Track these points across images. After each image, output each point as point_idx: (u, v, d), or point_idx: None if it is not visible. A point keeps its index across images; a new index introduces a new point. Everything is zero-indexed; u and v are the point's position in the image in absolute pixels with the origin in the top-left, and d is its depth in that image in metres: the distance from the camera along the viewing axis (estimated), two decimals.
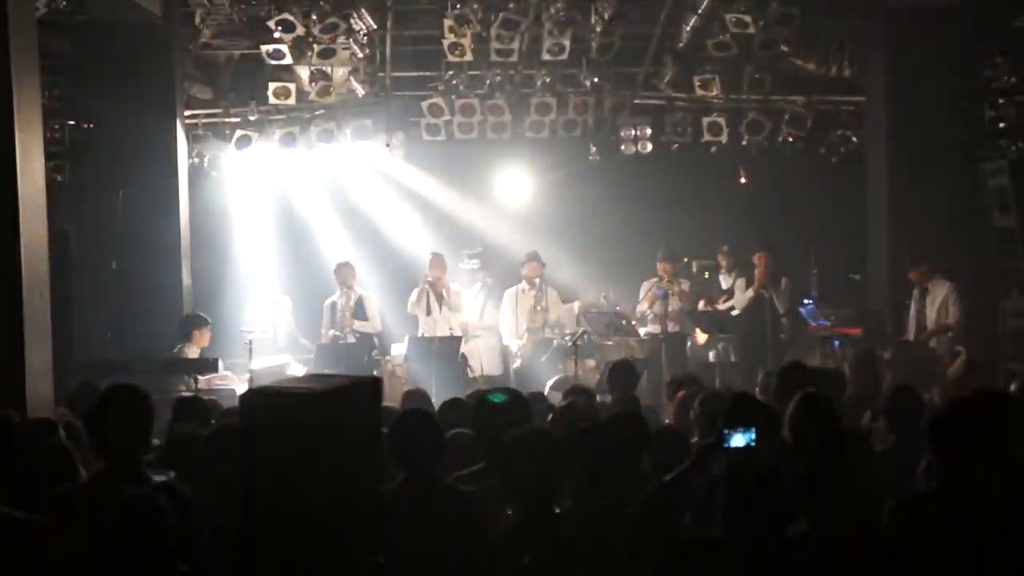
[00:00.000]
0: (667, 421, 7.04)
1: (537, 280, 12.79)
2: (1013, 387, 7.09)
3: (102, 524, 3.83)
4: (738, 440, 4.11)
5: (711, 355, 12.51)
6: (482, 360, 13.05)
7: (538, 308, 12.66)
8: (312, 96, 13.38)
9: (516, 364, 12.72)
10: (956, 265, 11.61)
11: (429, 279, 12.57)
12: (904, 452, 5.36)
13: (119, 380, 7.74)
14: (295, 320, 13.10)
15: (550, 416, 6.36)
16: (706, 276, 14.05)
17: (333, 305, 12.74)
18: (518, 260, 13.39)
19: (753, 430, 4.12)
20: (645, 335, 12.58)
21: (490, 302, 13.37)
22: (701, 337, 12.71)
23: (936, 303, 11.47)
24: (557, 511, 4.06)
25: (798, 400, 4.90)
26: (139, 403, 4.68)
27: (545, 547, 3.91)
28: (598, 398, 7.73)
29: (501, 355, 13.29)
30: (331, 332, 12.62)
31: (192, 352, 11.06)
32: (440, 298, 12.58)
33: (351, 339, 12.53)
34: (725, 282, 13.77)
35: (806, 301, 12.61)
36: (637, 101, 14.07)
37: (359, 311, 12.63)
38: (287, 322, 13.09)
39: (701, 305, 12.92)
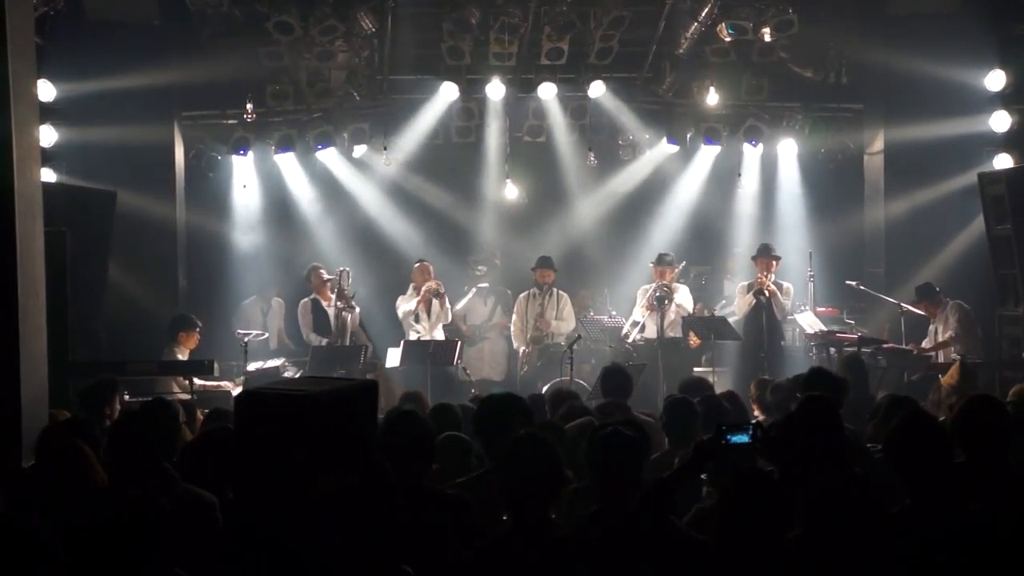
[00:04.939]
0: None
1: (547, 286, 12.73)
2: (1011, 394, 7.06)
3: (103, 523, 3.81)
4: (736, 438, 4.11)
5: (703, 359, 12.50)
6: (487, 363, 13.05)
7: (545, 315, 12.62)
8: (310, 98, 13.36)
9: (523, 371, 12.68)
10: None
11: (423, 293, 12.46)
12: None
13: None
14: (284, 323, 13.06)
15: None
16: (703, 283, 14.08)
17: (316, 305, 12.49)
18: (515, 264, 13.39)
19: (750, 429, 4.13)
20: (642, 340, 12.57)
21: (500, 306, 13.36)
22: (695, 340, 12.67)
23: (942, 321, 11.65)
24: (552, 517, 4.03)
25: (802, 403, 4.85)
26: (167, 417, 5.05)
27: (539, 553, 3.89)
28: (593, 403, 7.71)
29: (507, 360, 13.28)
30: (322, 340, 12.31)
31: (180, 354, 11.03)
32: (428, 305, 12.53)
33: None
34: (728, 287, 13.75)
35: (801, 307, 12.63)
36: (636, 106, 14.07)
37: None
38: (279, 325, 13.07)
39: (696, 310, 12.93)
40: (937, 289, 11.86)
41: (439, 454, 5.25)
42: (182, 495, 4.51)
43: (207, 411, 7.75)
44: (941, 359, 11.41)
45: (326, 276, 12.55)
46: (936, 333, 11.74)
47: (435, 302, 12.49)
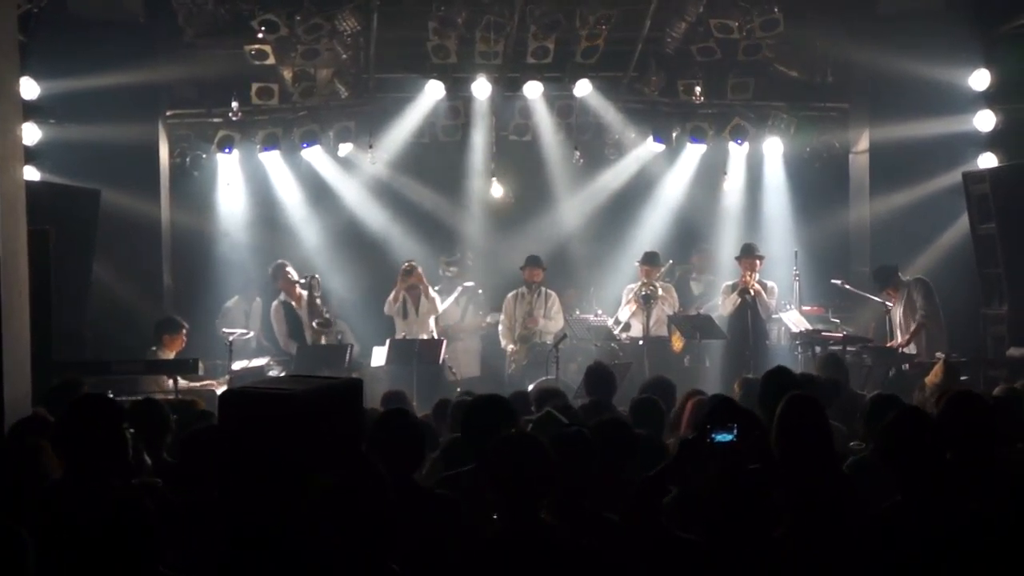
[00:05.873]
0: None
1: (535, 285, 12.71)
2: (996, 391, 7.08)
3: (88, 523, 3.77)
4: (721, 436, 4.11)
5: (686, 360, 12.48)
6: (462, 363, 13.02)
7: (533, 314, 12.61)
8: (295, 97, 13.33)
9: (511, 369, 12.66)
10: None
11: (405, 287, 12.48)
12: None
13: (100, 381, 7.83)
14: (261, 324, 12.94)
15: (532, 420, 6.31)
16: (691, 277, 14.09)
17: (288, 309, 12.38)
18: (501, 263, 13.36)
19: (735, 427, 4.13)
20: (627, 339, 12.57)
21: (472, 305, 13.35)
22: (677, 343, 12.64)
23: (901, 303, 11.55)
24: (543, 517, 4.01)
25: (787, 401, 4.81)
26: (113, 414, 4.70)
27: (531, 554, 3.87)
28: (578, 402, 7.70)
29: (480, 359, 13.26)
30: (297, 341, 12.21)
31: (165, 356, 10.95)
32: (417, 302, 12.52)
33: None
34: (696, 288, 13.78)
35: (787, 306, 12.65)
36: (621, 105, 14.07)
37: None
38: (259, 326, 12.97)
39: (678, 311, 12.92)
40: (894, 266, 11.76)
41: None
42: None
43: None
44: (915, 350, 11.40)
45: (294, 276, 12.39)
46: (897, 316, 11.63)
47: (421, 296, 12.47)
